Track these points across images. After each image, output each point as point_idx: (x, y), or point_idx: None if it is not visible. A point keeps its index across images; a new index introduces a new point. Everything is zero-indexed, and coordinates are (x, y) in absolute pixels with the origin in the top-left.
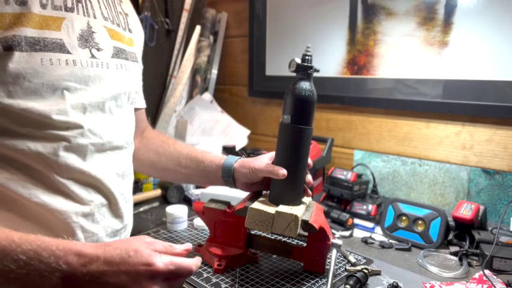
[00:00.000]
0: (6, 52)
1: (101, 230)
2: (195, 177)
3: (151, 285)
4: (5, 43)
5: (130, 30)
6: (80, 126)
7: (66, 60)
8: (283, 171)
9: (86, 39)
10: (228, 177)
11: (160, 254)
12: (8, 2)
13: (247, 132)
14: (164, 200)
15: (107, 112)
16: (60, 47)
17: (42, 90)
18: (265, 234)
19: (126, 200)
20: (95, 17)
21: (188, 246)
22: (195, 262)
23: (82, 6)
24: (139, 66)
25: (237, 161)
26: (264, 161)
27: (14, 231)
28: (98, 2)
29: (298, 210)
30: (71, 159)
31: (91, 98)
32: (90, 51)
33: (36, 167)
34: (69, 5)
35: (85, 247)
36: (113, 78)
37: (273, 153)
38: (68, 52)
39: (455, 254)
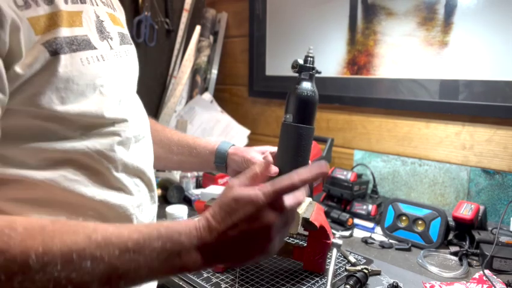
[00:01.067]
0: (53, 57)
1: (147, 218)
2: (187, 163)
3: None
4: (50, 47)
5: (115, 9)
6: (123, 120)
7: (96, 56)
8: (275, 170)
9: (101, 30)
10: (221, 163)
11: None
12: (38, 3)
13: (247, 132)
14: (164, 200)
15: (133, 102)
16: (89, 44)
17: (87, 91)
18: None
19: (156, 186)
20: (97, 4)
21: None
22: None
23: None
24: (134, 48)
25: (230, 147)
26: (256, 153)
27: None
28: None
29: (299, 208)
30: (123, 153)
31: (121, 91)
32: (108, 42)
33: (93, 166)
34: None
35: (190, 223)
36: (126, 66)
37: (265, 147)
38: (95, 48)
39: (455, 254)
